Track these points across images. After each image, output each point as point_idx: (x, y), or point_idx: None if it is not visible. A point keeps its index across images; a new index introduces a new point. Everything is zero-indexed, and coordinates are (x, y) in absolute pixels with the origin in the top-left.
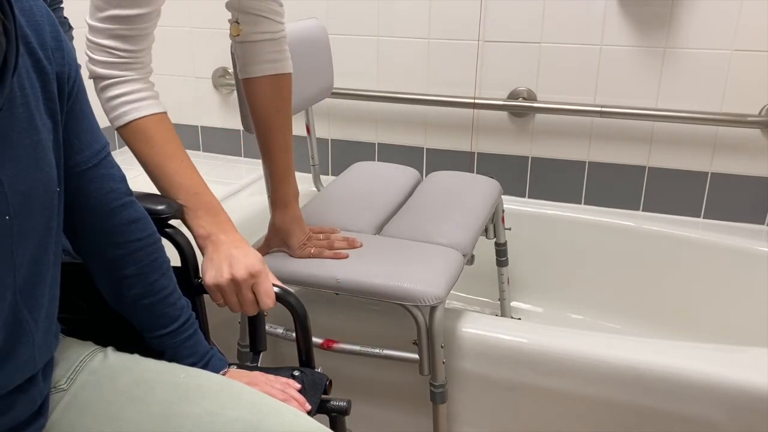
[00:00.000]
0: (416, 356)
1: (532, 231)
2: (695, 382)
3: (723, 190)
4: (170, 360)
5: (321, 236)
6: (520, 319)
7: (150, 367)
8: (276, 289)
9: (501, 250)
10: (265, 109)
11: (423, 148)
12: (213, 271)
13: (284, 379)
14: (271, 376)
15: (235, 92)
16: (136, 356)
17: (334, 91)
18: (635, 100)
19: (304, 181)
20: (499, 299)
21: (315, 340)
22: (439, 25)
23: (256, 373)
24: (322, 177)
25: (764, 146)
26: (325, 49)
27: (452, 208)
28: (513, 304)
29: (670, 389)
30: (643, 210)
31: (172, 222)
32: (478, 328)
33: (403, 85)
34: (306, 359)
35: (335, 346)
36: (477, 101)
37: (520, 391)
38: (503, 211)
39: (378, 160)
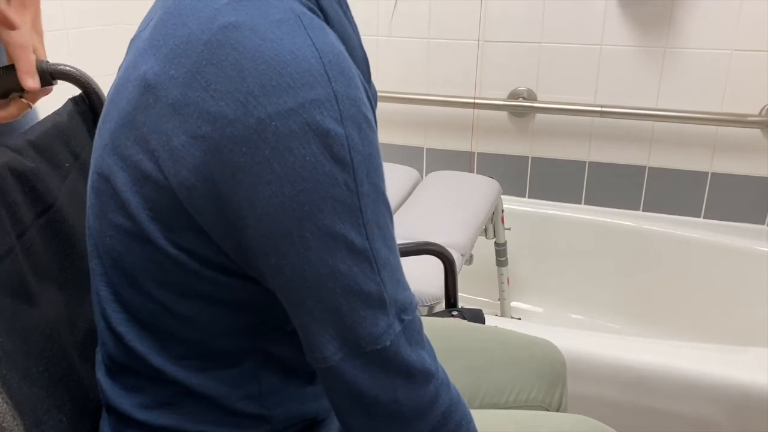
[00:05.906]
0: None
1: (532, 231)
2: (695, 382)
3: (723, 190)
4: None
5: None
6: (520, 319)
7: None
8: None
9: (501, 250)
10: None
11: (423, 148)
12: None
13: (454, 320)
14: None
15: None
16: None
17: None
18: (635, 100)
19: None
20: (499, 299)
21: None
22: (439, 25)
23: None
24: None
25: (764, 146)
26: None
27: (451, 208)
28: (513, 304)
29: (670, 389)
30: (643, 210)
31: None
32: None
33: (403, 85)
34: (453, 300)
35: None
36: (477, 101)
37: None
38: (503, 211)
39: None
